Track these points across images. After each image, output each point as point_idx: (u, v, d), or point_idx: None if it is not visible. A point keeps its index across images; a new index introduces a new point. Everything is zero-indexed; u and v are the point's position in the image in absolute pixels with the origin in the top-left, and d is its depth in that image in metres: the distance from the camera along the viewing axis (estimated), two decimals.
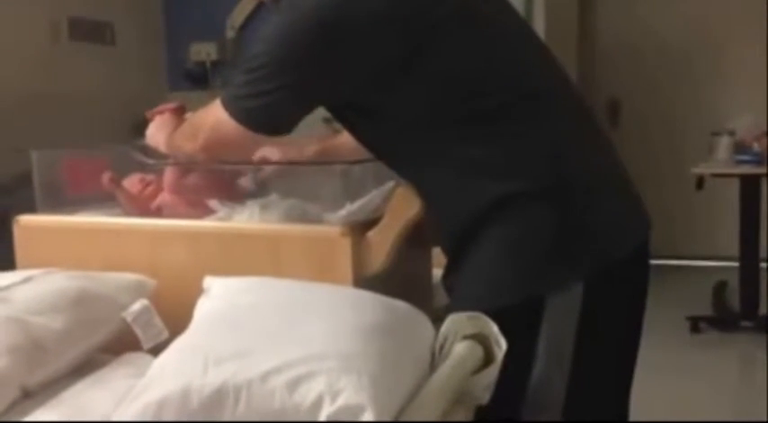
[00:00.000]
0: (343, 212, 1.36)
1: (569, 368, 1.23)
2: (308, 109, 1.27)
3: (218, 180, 1.48)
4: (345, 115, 1.32)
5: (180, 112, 1.48)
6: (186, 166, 1.46)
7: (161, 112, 1.48)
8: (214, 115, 1.29)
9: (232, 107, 1.26)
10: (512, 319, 1.17)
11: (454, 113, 1.22)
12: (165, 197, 1.47)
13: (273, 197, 1.42)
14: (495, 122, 1.22)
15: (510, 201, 1.20)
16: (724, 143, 3.78)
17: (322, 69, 1.20)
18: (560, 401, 1.23)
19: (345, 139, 1.44)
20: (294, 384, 0.90)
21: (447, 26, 1.21)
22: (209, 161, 1.38)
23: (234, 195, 1.45)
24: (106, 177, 1.47)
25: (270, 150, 1.48)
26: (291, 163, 1.50)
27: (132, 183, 1.50)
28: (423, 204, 1.26)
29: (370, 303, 1.10)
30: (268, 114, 1.24)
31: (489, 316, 1.10)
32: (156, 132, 1.45)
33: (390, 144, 1.28)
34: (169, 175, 1.47)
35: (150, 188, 1.48)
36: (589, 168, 1.27)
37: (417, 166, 1.26)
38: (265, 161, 1.48)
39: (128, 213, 1.49)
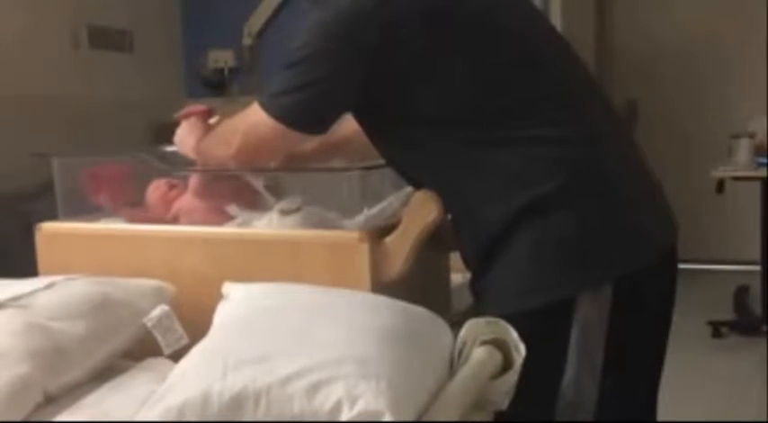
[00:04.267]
0: (360, 218, 1.36)
1: (600, 371, 1.23)
2: (346, 105, 1.28)
3: (243, 188, 1.48)
4: (373, 120, 1.32)
5: (207, 116, 1.47)
6: (206, 172, 1.46)
7: (189, 115, 1.47)
8: (250, 119, 1.29)
9: (271, 105, 1.25)
10: (544, 320, 1.17)
11: (483, 117, 1.22)
12: (183, 202, 1.47)
13: (288, 200, 1.42)
14: (524, 126, 1.22)
15: (541, 204, 1.20)
16: (744, 146, 3.74)
17: (364, 61, 1.21)
18: (592, 404, 1.23)
19: (346, 131, 1.42)
20: (313, 390, 0.91)
21: (477, 23, 1.23)
22: (241, 168, 1.37)
23: (256, 204, 1.45)
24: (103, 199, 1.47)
25: None
26: (311, 169, 1.51)
27: (158, 186, 1.50)
28: (445, 210, 1.26)
29: (389, 309, 1.10)
30: (309, 109, 1.24)
31: (521, 317, 1.11)
32: (185, 137, 1.44)
33: (420, 150, 1.27)
34: (196, 178, 1.47)
35: (175, 191, 1.49)
36: (618, 170, 1.27)
37: (445, 173, 1.26)
38: (283, 167, 1.49)
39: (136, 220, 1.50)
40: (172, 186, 1.50)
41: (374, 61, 1.21)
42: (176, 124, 1.50)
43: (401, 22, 1.20)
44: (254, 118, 1.28)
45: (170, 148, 1.55)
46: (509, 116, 1.22)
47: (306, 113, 1.25)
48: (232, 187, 1.45)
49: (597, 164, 1.25)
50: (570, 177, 1.21)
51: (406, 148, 1.30)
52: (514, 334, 1.07)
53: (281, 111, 1.24)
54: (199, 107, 1.48)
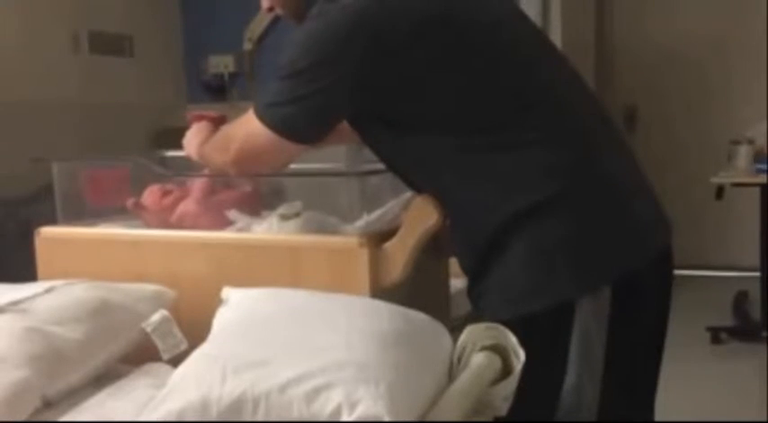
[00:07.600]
0: (360, 223, 1.36)
1: (601, 374, 1.23)
2: (343, 115, 1.28)
3: (244, 196, 1.48)
4: (369, 127, 1.32)
5: (219, 123, 1.47)
6: (210, 178, 1.47)
7: (200, 118, 1.47)
8: (247, 126, 1.29)
9: (267, 115, 1.26)
10: (543, 325, 1.17)
11: (479, 123, 1.23)
12: (187, 206, 1.47)
13: (288, 205, 1.42)
14: (519, 132, 1.22)
15: (537, 209, 1.20)
16: (743, 152, 3.74)
17: (359, 72, 1.21)
18: (593, 408, 1.23)
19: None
20: (312, 395, 0.91)
21: (469, 32, 1.23)
22: (238, 175, 1.37)
23: (257, 210, 1.45)
24: (130, 203, 1.48)
25: None
26: (311, 174, 1.51)
27: (152, 192, 1.51)
28: (444, 216, 1.26)
29: (388, 314, 1.10)
30: (306, 120, 1.25)
31: (521, 323, 1.11)
32: (192, 139, 1.45)
33: (415, 156, 1.27)
34: (199, 187, 1.47)
35: (170, 198, 1.49)
36: (614, 175, 1.28)
37: (441, 178, 1.26)
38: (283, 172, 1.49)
39: (149, 226, 1.50)
40: (165, 193, 1.50)
41: (368, 72, 1.21)
42: (176, 129, 1.51)
43: (393, 33, 1.20)
44: (250, 127, 1.28)
45: (170, 153, 1.56)
46: (504, 122, 1.23)
47: (302, 125, 1.25)
48: (234, 195, 1.45)
49: (592, 168, 1.25)
50: (565, 182, 1.21)
51: (401, 155, 1.30)
52: (514, 339, 1.07)
53: (277, 122, 1.25)
54: (212, 113, 1.48)
